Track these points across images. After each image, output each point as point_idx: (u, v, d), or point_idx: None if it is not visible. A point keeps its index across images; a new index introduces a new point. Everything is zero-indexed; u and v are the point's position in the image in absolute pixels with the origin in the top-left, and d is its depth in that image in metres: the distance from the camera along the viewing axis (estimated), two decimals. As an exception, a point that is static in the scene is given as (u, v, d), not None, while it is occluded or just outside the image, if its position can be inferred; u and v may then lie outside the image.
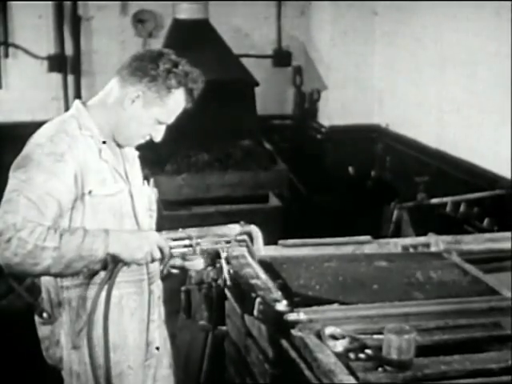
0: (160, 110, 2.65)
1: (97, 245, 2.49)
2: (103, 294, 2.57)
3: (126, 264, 2.56)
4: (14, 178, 2.56)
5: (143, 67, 2.62)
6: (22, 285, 5.37)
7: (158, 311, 2.89)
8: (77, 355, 2.71)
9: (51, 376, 2.91)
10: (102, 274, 2.58)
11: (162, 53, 2.66)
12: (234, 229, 2.79)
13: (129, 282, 2.72)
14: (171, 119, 2.71)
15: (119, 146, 2.76)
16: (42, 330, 2.80)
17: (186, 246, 2.66)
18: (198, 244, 2.66)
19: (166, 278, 2.91)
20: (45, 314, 2.75)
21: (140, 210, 2.78)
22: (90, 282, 2.65)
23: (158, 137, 2.73)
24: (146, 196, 2.86)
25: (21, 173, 2.55)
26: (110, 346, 2.62)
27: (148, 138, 2.73)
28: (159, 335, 2.89)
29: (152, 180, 2.98)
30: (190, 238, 2.67)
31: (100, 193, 2.64)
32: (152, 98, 2.63)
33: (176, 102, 2.66)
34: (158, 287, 2.87)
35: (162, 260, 2.64)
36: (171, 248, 2.63)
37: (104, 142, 2.69)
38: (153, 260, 2.60)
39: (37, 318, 2.81)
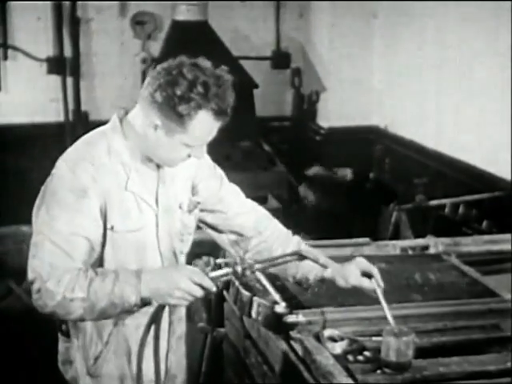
0: (184, 136, 2.42)
1: (128, 292, 2.37)
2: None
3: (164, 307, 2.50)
4: (39, 216, 2.44)
5: (156, 93, 2.37)
6: (22, 286, 5.37)
7: (178, 335, 2.77)
8: (94, 382, 2.64)
9: (52, 377, 2.91)
10: None
11: (177, 71, 2.36)
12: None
13: (147, 313, 2.57)
14: (204, 141, 2.50)
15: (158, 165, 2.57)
16: (60, 344, 2.72)
17: (231, 273, 2.49)
18: (245, 269, 2.50)
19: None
20: (64, 327, 2.65)
21: (165, 237, 2.62)
22: None
23: (199, 155, 2.53)
24: (179, 220, 2.67)
25: (44, 211, 2.43)
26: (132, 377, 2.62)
27: (188, 158, 2.53)
28: (177, 357, 2.79)
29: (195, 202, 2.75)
30: (235, 263, 2.51)
31: (123, 228, 2.49)
32: (172, 127, 2.40)
33: (201, 125, 2.41)
34: (179, 310, 2.75)
35: (209, 293, 2.46)
36: (215, 278, 2.45)
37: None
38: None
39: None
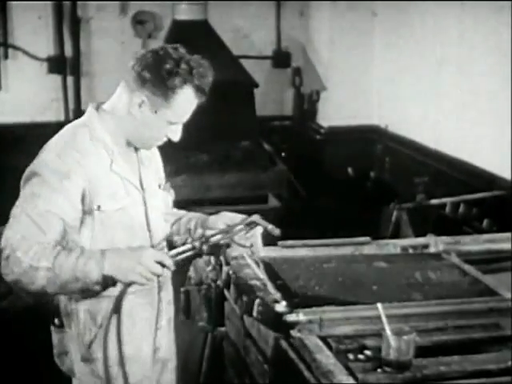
0: (169, 111, 2.56)
1: (90, 267, 2.45)
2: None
3: (129, 285, 2.52)
4: (21, 192, 2.56)
5: (144, 71, 2.52)
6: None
7: (168, 317, 2.85)
8: (88, 367, 2.69)
9: (52, 377, 2.91)
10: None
11: (163, 52, 2.55)
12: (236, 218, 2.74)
13: (136, 293, 2.66)
14: (184, 118, 2.62)
15: (136, 148, 2.70)
16: (54, 337, 2.79)
17: (190, 250, 2.58)
18: (203, 243, 2.59)
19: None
20: (56, 321, 2.72)
21: (154, 216, 2.73)
22: (99, 295, 2.60)
23: (176, 137, 2.65)
24: (162, 199, 2.81)
25: (27, 188, 2.55)
26: (127, 358, 2.64)
27: (165, 139, 2.67)
28: (167, 341, 2.85)
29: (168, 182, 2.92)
30: (193, 239, 2.62)
31: (110, 208, 2.59)
32: (158, 102, 2.54)
33: (185, 101, 2.56)
34: (167, 293, 2.83)
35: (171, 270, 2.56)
36: (175, 256, 2.55)
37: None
38: (158, 275, 2.52)
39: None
